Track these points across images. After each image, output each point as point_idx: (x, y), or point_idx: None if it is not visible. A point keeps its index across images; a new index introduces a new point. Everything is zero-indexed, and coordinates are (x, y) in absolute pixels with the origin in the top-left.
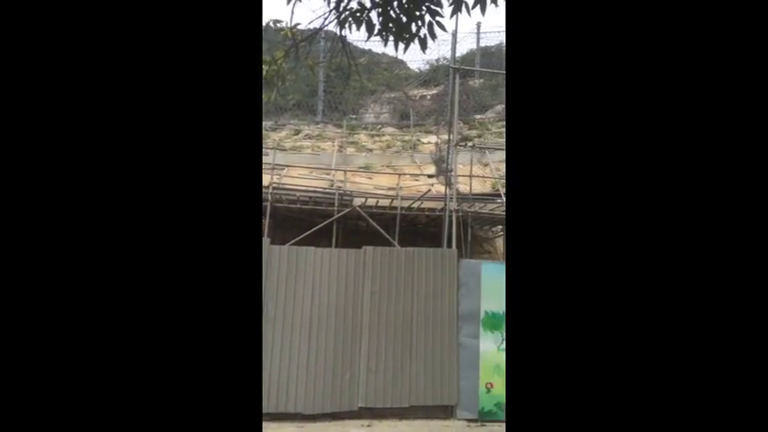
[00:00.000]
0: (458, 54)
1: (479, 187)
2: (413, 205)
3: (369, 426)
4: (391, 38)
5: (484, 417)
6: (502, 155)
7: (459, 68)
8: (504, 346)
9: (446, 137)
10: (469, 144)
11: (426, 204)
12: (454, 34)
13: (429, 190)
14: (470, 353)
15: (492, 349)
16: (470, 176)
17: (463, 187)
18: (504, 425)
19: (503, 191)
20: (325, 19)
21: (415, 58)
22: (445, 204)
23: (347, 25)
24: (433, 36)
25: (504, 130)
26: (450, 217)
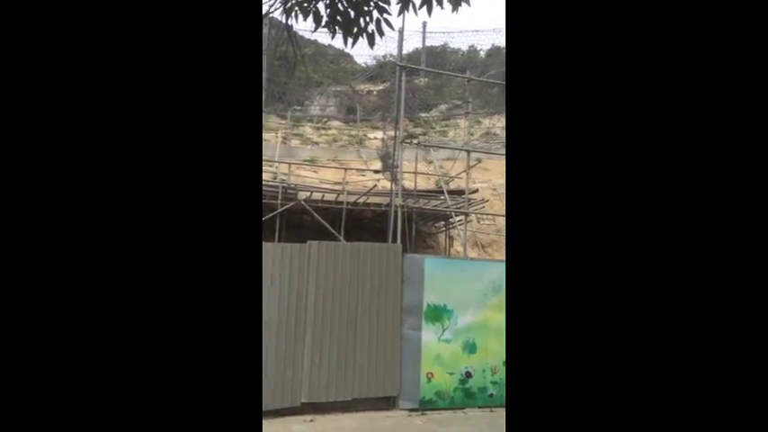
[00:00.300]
0: (404, 52)
1: (423, 184)
2: (359, 200)
3: (311, 421)
4: (339, 31)
5: (424, 405)
6: (445, 153)
7: (406, 66)
8: (444, 336)
9: (392, 133)
10: (415, 141)
11: (372, 200)
12: (401, 32)
13: (375, 185)
14: (413, 344)
15: (433, 340)
16: (415, 173)
17: (408, 183)
18: (442, 413)
19: (446, 188)
20: (271, 6)
21: (361, 52)
22: (391, 200)
23: (293, 14)
24: (381, 33)
25: (447, 129)
26: (396, 212)
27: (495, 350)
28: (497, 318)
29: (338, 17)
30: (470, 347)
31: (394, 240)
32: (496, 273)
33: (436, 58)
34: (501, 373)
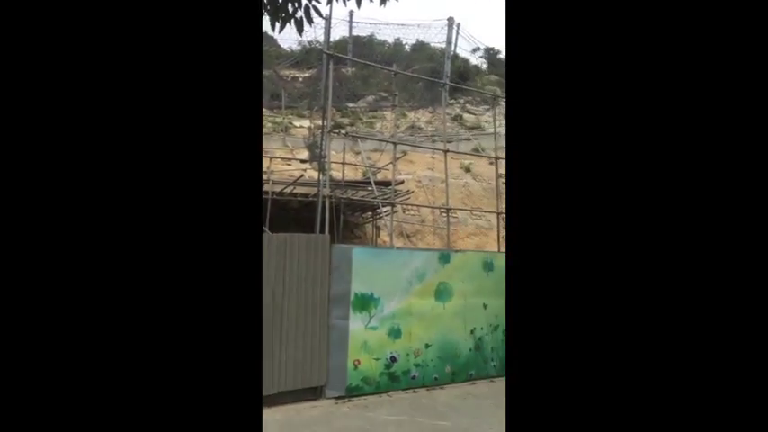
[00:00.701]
0: (330, 39)
1: (351, 174)
2: (285, 190)
3: None
4: (265, 14)
5: (351, 392)
6: (372, 144)
7: (334, 55)
8: (371, 324)
9: (319, 122)
10: (343, 132)
11: (299, 189)
12: (327, 19)
13: (302, 175)
14: (340, 333)
15: (360, 328)
16: (343, 164)
17: (336, 174)
18: (368, 398)
19: (373, 179)
20: None
21: (286, 36)
22: (319, 190)
23: None
24: (310, 20)
25: (374, 120)
26: (324, 203)
27: (418, 334)
28: (420, 303)
29: (264, 0)
30: (395, 333)
31: (321, 231)
32: (420, 261)
33: (363, 49)
34: (423, 356)
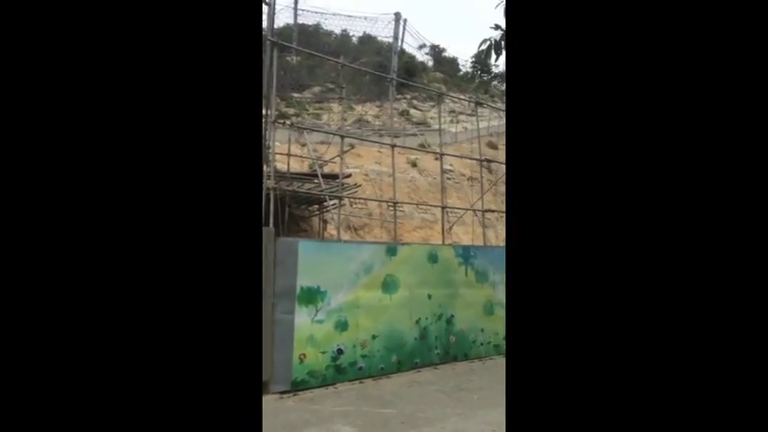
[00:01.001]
0: (274, 26)
1: (297, 167)
2: None
3: None
4: None
5: (297, 386)
6: (319, 136)
7: (278, 42)
8: (317, 317)
9: (264, 112)
10: (288, 123)
11: None
12: (271, 5)
13: None
14: (286, 328)
15: (306, 322)
16: (288, 155)
17: (281, 165)
18: (314, 391)
19: (320, 171)
20: None
21: None
22: (263, 182)
23: None
24: None
25: (320, 111)
26: (268, 195)
27: (364, 326)
28: (367, 296)
29: None
30: (342, 326)
31: (266, 224)
32: (368, 254)
33: (309, 38)
34: (370, 347)
